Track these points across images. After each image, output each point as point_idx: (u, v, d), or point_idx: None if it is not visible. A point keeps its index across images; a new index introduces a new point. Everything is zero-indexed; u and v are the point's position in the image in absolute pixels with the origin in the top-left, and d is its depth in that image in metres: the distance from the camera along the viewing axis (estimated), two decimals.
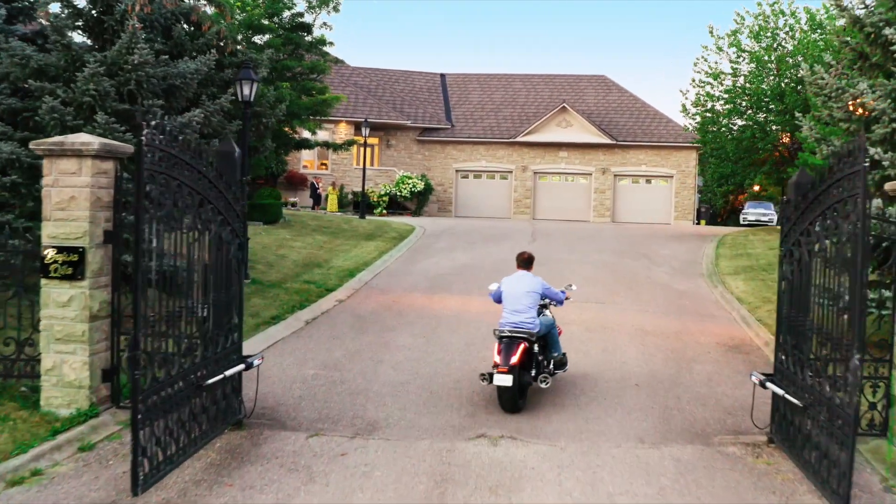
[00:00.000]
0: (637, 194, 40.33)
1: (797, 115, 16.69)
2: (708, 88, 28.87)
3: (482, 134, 40.81)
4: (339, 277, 16.12)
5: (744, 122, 28.81)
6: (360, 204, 30.69)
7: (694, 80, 29.57)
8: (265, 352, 9.71)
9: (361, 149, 40.92)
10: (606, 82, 43.79)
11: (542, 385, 8.22)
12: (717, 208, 55.34)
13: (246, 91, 14.49)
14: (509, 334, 8.19)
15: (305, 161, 39.13)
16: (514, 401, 7.90)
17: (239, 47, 16.09)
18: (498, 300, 8.74)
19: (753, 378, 7.34)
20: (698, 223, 40.58)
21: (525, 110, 42.07)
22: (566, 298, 9.06)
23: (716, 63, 31.76)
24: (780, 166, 28.58)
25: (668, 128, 40.35)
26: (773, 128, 27.72)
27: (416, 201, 38.62)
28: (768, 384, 7.09)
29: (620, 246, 24.03)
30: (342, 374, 9.30)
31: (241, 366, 7.27)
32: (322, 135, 38.48)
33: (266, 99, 16.61)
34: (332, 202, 34.62)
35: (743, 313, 14.27)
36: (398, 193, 37.67)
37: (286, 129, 24.24)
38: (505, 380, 7.78)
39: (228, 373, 6.94)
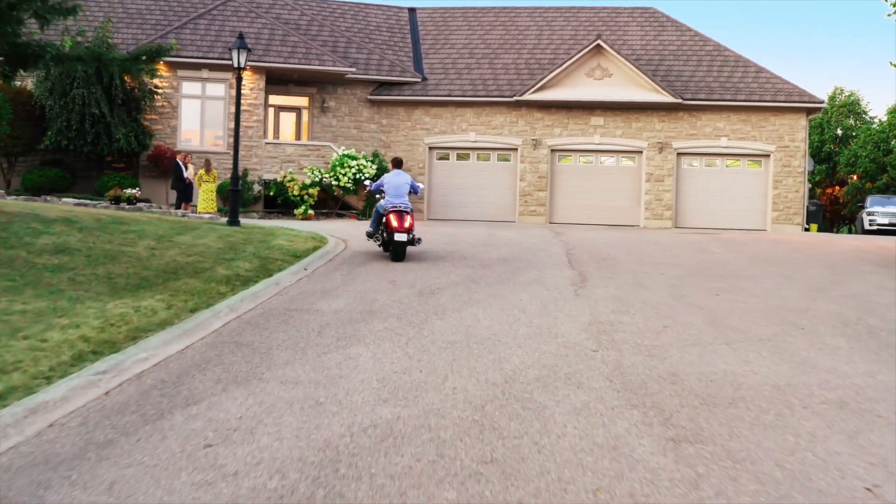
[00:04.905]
0: (714, 184, 25.65)
1: None
2: None
3: (470, 90, 26.08)
4: None
5: None
6: (232, 199, 15.95)
7: None
8: None
9: (272, 111, 26.28)
10: (658, 16, 29.14)
11: (416, 245, 12.28)
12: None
13: None
14: (400, 209, 11.92)
15: (188, 133, 24.37)
16: (404, 252, 11.76)
17: None
18: (377, 190, 12.86)
19: None
20: (806, 228, 25.94)
21: (536, 56, 27.37)
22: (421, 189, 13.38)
23: None
24: None
25: (760, 79, 25.71)
26: None
27: (366, 195, 24.06)
28: None
29: (810, 300, 9.33)
30: None
31: None
32: (215, 89, 23.95)
33: None
34: (206, 197, 19.78)
35: None
36: (334, 183, 23.09)
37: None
38: (403, 237, 11.66)
39: None
